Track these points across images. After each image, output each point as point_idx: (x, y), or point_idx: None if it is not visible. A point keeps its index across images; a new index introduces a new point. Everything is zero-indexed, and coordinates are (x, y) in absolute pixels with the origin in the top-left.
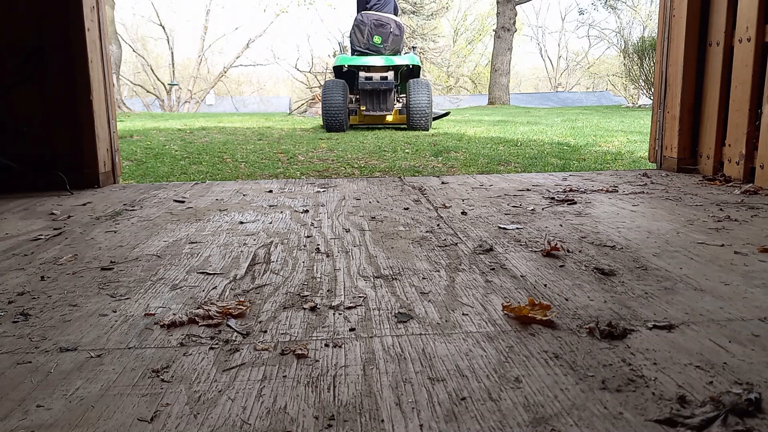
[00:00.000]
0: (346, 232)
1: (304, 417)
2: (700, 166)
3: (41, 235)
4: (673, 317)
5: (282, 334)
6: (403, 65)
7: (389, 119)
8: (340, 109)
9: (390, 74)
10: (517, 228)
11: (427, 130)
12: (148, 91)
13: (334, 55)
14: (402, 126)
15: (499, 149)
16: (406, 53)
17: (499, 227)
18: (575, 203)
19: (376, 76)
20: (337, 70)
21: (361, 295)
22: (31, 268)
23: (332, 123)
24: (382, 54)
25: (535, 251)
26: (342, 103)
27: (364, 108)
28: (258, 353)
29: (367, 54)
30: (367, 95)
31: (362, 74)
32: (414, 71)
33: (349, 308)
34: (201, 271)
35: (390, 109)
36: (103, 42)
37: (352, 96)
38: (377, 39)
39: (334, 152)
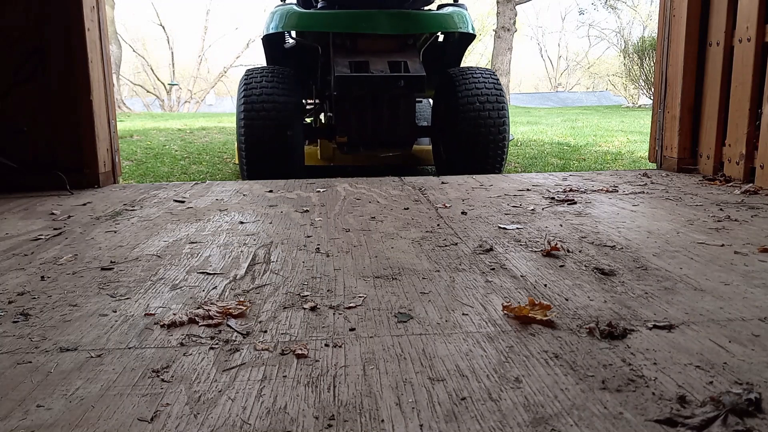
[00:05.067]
0: (346, 232)
1: (304, 417)
2: (700, 166)
3: (41, 235)
4: (673, 317)
5: (282, 334)
6: (439, 31)
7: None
8: (276, 140)
9: (412, 59)
10: (517, 228)
11: (500, 171)
12: (148, 91)
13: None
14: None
15: None
16: (445, 5)
17: (499, 227)
18: (575, 203)
19: (379, 63)
20: (274, 43)
21: (361, 295)
22: (31, 268)
23: (257, 168)
24: (387, 5)
25: (535, 251)
26: (284, 121)
27: (345, 139)
28: (258, 353)
29: (349, 3)
30: (354, 108)
31: (341, 60)
32: (461, 44)
33: (349, 308)
34: (201, 271)
35: (407, 141)
36: (103, 42)
37: (311, 102)
38: None
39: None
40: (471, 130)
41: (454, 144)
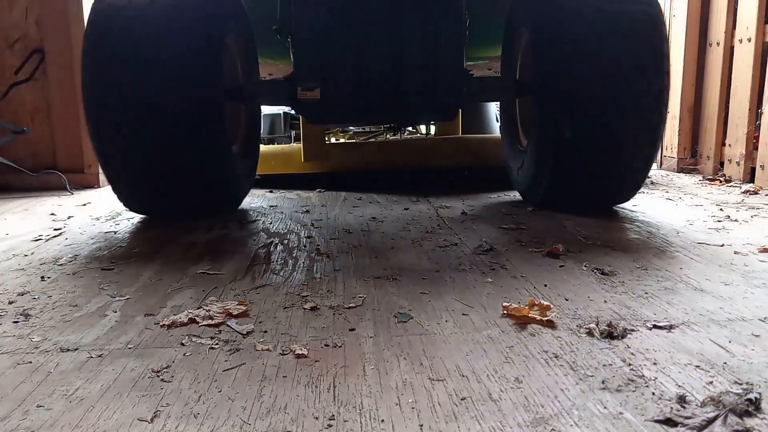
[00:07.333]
0: (347, 232)
1: (304, 417)
2: (701, 166)
3: (41, 235)
4: (673, 317)
5: (282, 334)
6: None
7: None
8: (168, 97)
9: None
10: (517, 228)
11: (636, 190)
12: None
13: None
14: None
15: None
16: None
17: (500, 227)
18: None
19: None
20: None
21: (361, 295)
22: (31, 268)
23: (139, 197)
24: None
25: (535, 251)
26: (183, 55)
27: (316, 92)
28: (258, 353)
29: None
30: (329, 19)
31: None
32: None
33: (349, 308)
34: (201, 271)
35: (449, 100)
36: None
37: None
38: None
39: None
40: (580, 84)
41: (544, 117)
